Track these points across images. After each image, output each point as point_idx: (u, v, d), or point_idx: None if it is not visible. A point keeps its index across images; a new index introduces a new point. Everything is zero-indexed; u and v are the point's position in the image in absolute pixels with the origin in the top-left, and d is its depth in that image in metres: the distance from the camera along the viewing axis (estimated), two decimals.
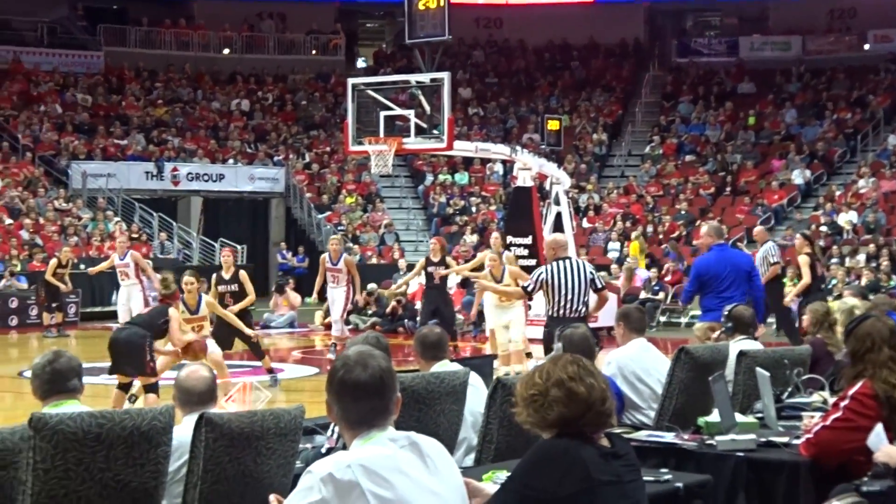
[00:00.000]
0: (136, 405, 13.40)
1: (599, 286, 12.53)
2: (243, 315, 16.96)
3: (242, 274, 17.67)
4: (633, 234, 33.05)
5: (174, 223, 36.34)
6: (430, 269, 20.90)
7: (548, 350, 11.62)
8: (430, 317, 20.16)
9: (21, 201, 33.54)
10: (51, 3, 44.28)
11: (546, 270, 12.35)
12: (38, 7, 43.92)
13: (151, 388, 13.40)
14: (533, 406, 4.27)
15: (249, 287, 17.41)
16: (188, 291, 15.43)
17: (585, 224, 35.04)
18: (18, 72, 41.57)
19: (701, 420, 7.57)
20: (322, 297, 21.57)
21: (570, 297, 12.17)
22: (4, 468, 4.88)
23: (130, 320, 15.01)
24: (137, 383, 13.58)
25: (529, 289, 12.61)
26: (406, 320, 26.06)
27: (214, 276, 17.80)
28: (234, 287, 17.38)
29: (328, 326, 24.48)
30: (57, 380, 5.93)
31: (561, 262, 12.34)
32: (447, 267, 21.26)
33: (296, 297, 28.65)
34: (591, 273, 12.40)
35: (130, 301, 21.48)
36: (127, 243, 21.41)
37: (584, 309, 12.31)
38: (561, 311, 12.17)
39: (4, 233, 31.08)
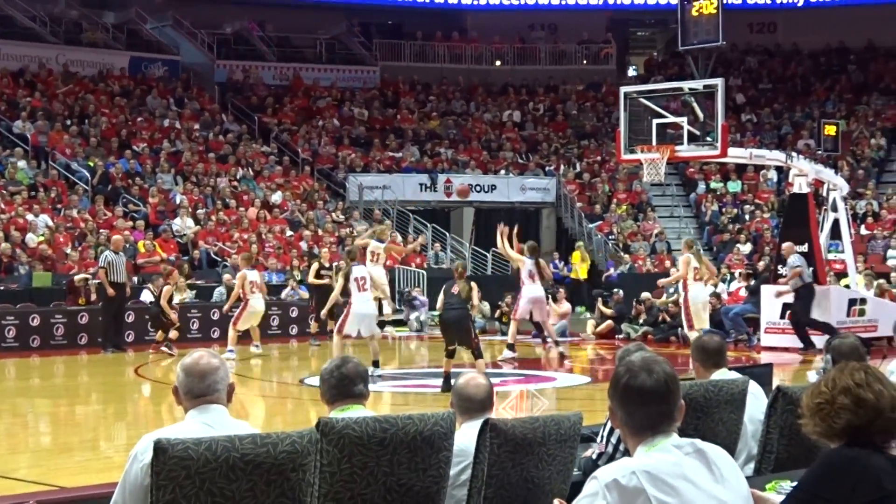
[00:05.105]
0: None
1: None
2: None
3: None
4: None
5: (447, 234, 36.83)
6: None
7: None
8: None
9: (300, 213, 34.54)
10: (329, 21, 45.65)
11: None
12: (317, 24, 45.36)
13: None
14: (819, 415, 4.17)
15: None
16: None
17: (864, 231, 34.07)
18: (298, 88, 42.98)
19: None
20: None
21: None
22: (294, 470, 5.01)
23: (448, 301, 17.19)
24: None
25: None
26: (679, 329, 25.72)
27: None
28: None
29: (601, 335, 24.44)
30: (344, 384, 6.04)
31: None
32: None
33: (567, 307, 28.60)
34: None
35: None
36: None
37: None
38: None
39: (285, 244, 31.98)
